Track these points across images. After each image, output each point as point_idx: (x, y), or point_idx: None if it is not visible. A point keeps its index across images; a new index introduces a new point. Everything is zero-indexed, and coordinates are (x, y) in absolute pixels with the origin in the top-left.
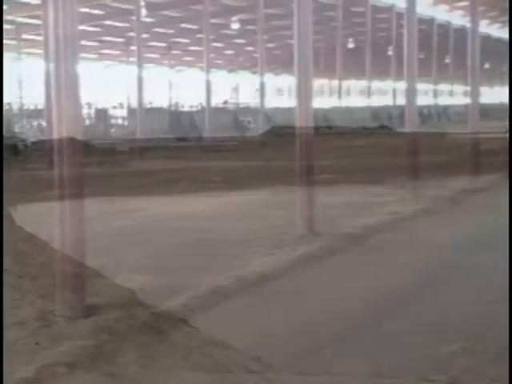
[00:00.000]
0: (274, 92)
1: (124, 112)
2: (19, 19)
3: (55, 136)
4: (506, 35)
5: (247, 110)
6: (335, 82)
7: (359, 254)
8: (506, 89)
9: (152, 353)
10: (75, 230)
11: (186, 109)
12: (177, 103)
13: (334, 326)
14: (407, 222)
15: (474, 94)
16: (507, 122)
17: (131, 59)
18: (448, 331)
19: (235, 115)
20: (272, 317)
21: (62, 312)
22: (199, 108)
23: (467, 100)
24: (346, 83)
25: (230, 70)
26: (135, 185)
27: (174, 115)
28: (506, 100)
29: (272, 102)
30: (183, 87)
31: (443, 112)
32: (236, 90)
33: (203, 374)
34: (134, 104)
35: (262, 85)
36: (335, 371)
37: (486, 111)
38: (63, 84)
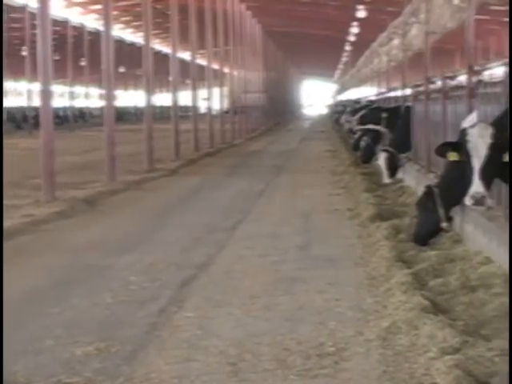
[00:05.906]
0: None
1: None
2: None
3: None
4: (138, 40)
5: None
6: None
7: None
8: (140, 92)
9: None
10: None
11: None
12: None
13: None
14: (43, 224)
15: (109, 97)
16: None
17: None
18: (83, 333)
19: None
20: None
21: None
22: None
23: (103, 103)
24: None
25: None
26: None
27: None
28: (141, 104)
29: None
30: None
31: (80, 114)
32: None
33: None
34: None
35: None
36: None
37: (122, 114)
38: None
